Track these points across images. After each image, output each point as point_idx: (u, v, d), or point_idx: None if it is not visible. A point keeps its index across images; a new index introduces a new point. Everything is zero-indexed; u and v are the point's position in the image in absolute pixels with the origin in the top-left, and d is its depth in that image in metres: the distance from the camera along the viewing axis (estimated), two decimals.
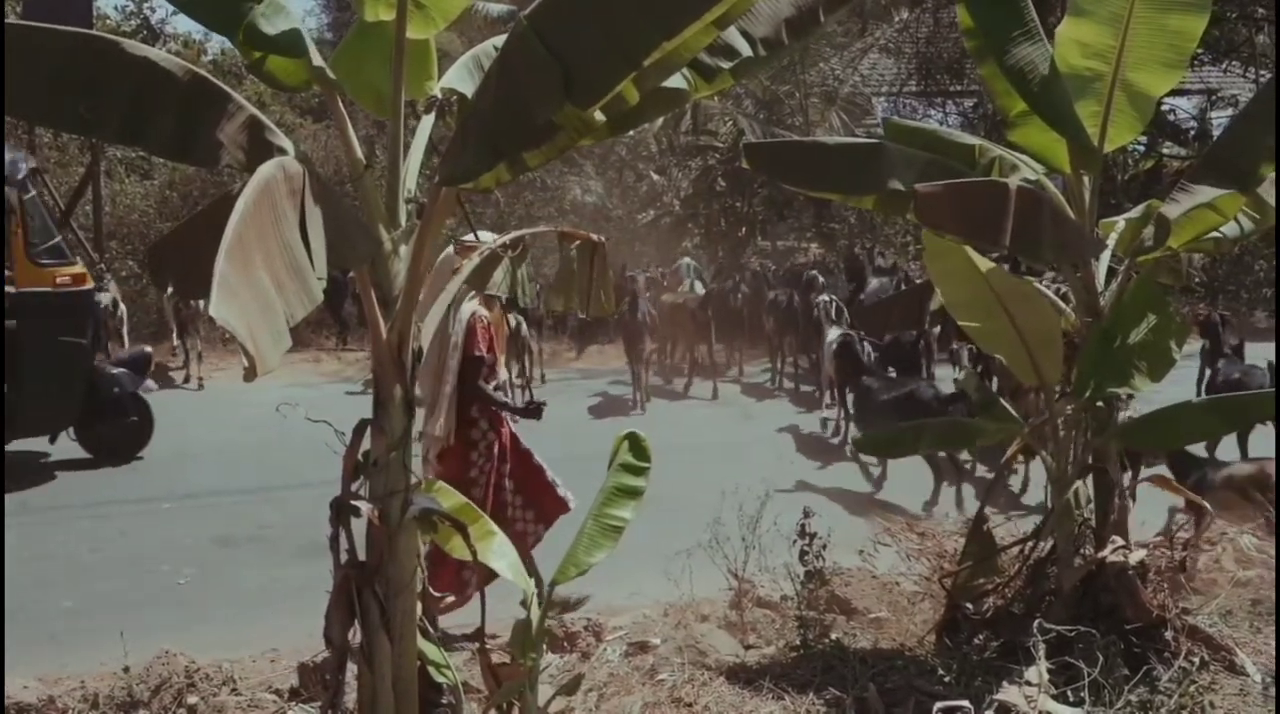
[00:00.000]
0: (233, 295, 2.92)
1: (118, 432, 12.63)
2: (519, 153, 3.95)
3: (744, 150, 6.68)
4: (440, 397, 7.05)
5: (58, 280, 11.49)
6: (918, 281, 19.64)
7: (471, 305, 7.11)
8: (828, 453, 13.33)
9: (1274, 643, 6.26)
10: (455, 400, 7.05)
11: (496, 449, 7.28)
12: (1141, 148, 26.37)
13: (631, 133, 23.27)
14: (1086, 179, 6.08)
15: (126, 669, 5.85)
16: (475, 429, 7.19)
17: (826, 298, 17.19)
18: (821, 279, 19.65)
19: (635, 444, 4.82)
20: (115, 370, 12.66)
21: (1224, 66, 27.89)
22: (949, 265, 6.02)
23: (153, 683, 5.76)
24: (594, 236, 5.78)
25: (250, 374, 2.91)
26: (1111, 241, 6.14)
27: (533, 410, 7.21)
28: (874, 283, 19.97)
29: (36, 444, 12.47)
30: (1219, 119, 28.73)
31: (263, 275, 3.12)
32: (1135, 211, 6.15)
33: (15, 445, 11.69)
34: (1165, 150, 27.41)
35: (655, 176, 28.53)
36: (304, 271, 3.29)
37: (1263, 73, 25.96)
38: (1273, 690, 5.68)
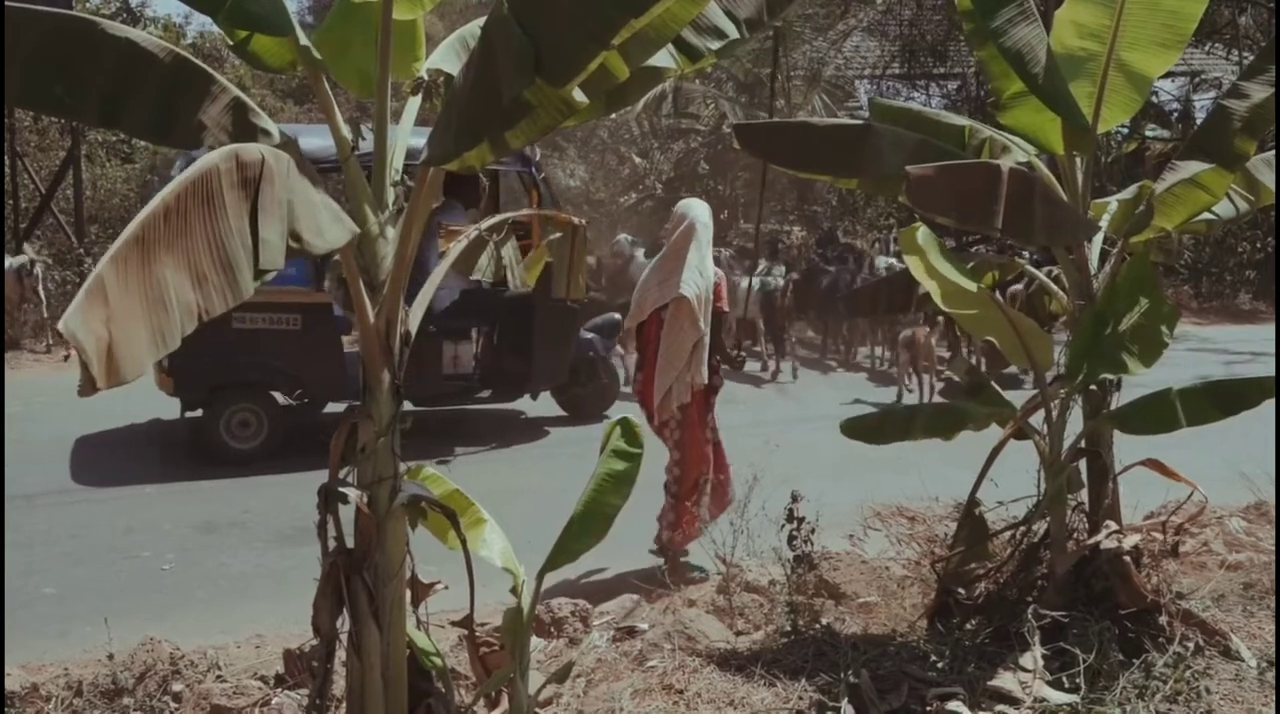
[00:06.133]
0: (99, 303, 2.85)
1: (590, 392, 13.82)
2: (499, 133, 3.88)
3: (733, 131, 6.63)
4: (701, 347, 7.82)
5: None
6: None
7: (714, 266, 8.05)
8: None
9: (1267, 627, 6.24)
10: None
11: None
12: (1125, 130, 26.40)
13: (614, 115, 23.21)
14: (1079, 160, 6.05)
15: (111, 656, 5.79)
16: (717, 376, 8.16)
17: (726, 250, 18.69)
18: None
19: (627, 430, 4.77)
20: (588, 335, 13.73)
21: (1207, 48, 27.93)
22: (925, 262, 5.98)
23: (137, 670, 5.70)
24: (575, 219, 5.79)
25: (87, 388, 2.80)
26: (1104, 223, 6.11)
27: (741, 362, 8.84)
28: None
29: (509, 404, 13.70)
30: (1202, 101, 28.81)
31: (168, 273, 3.05)
32: (1127, 192, 6.12)
33: (494, 406, 13.51)
34: (1149, 132, 27.44)
35: (637, 159, 28.48)
36: (235, 266, 3.22)
37: (1246, 54, 25.98)
38: (1268, 675, 5.66)
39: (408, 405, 12.21)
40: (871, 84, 30.91)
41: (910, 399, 15.23)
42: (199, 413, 11.69)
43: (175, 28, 28.68)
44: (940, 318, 15.24)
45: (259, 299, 10.79)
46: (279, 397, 11.96)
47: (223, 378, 11.44)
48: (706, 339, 7.82)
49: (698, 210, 8.02)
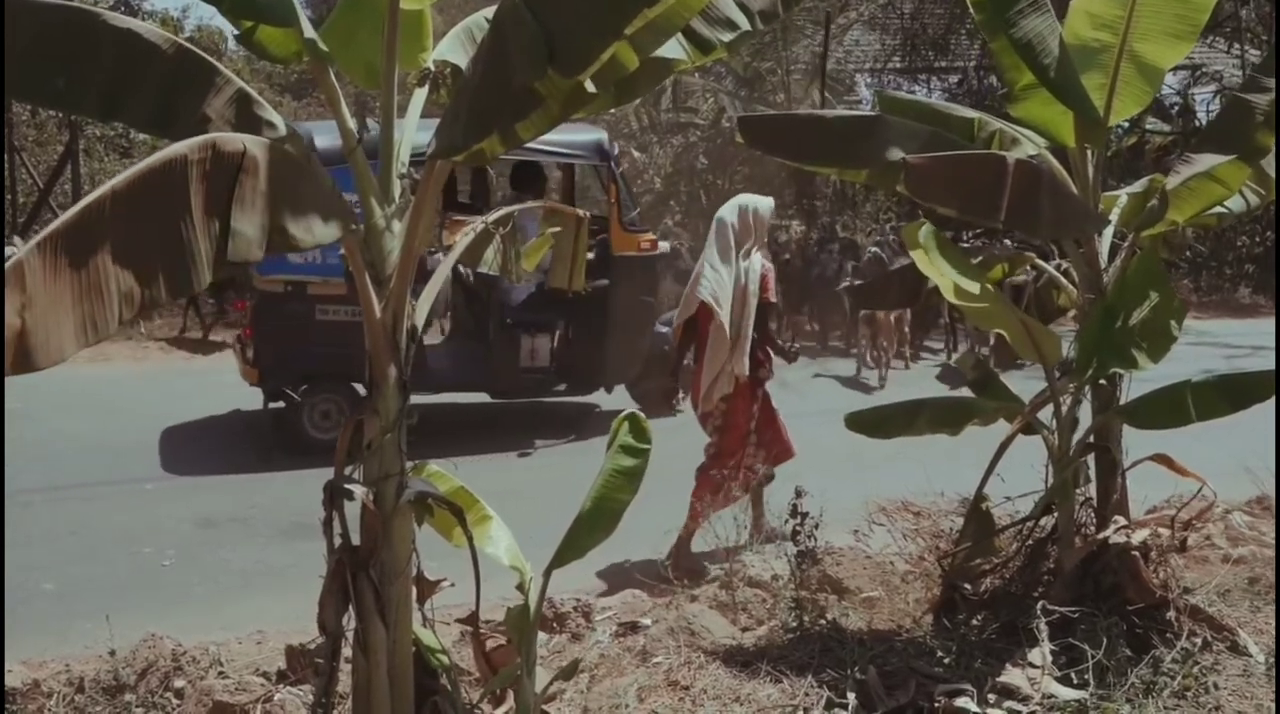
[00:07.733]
0: (15, 290, 2.84)
1: (663, 386, 13.55)
2: (509, 125, 3.85)
3: (738, 123, 6.56)
4: (744, 339, 7.91)
5: (641, 245, 12.77)
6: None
7: (762, 257, 8.13)
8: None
9: (1274, 622, 6.21)
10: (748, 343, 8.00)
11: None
12: (1125, 125, 26.33)
13: (613, 110, 23.15)
14: (1090, 153, 6.01)
15: (112, 653, 5.76)
16: (764, 368, 8.24)
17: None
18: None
19: (635, 425, 4.72)
20: (663, 329, 13.39)
21: (1209, 41, 27.86)
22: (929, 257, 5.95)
23: (139, 666, 5.68)
24: (579, 212, 5.77)
25: None
26: (1114, 216, 6.07)
27: (794, 354, 8.82)
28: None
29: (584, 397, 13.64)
30: (1202, 95, 28.78)
31: (109, 260, 3.03)
32: (1137, 185, 6.09)
33: (569, 399, 13.46)
34: (1148, 126, 27.37)
35: (636, 154, 28.38)
36: (192, 256, 3.20)
37: (1248, 48, 25.94)
38: (1275, 671, 5.63)
39: (487, 397, 12.67)
40: (872, 78, 30.84)
41: (871, 376, 15.93)
42: (281, 404, 11.81)
43: (173, 22, 28.55)
44: None
45: (342, 292, 11.11)
46: (359, 388, 11.91)
47: (307, 369, 11.66)
48: (748, 331, 7.91)
49: (725, 209, 8.24)
